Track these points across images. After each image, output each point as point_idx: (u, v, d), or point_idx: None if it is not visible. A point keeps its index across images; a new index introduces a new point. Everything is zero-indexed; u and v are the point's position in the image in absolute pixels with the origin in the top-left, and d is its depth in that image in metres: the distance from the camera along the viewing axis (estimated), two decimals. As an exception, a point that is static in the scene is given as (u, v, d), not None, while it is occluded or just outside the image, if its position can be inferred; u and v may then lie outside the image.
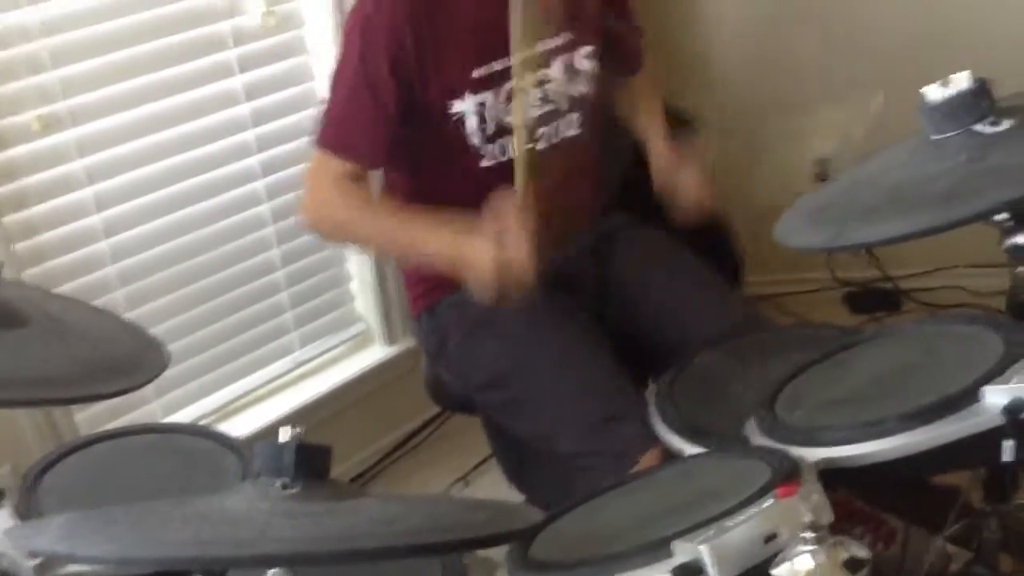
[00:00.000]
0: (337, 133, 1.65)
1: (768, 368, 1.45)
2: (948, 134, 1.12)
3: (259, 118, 2.04)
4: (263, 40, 2.00)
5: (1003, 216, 1.09)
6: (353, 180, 1.66)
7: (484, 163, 1.70)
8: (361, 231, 1.70)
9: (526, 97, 1.69)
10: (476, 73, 1.66)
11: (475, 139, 1.68)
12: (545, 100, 1.74)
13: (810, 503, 0.93)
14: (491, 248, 1.50)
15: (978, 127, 1.10)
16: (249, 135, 2.04)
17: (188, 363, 2.06)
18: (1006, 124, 1.08)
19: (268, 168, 2.08)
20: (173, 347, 1.95)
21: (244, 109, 2.01)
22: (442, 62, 1.63)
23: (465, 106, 1.67)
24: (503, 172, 1.69)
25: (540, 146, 1.72)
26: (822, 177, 2.65)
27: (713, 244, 2.37)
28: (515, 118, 1.66)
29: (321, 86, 2.10)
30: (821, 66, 2.57)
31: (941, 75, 1.13)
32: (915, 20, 2.47)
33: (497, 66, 1.67)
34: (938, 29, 2.44)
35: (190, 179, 1.98)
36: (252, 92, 2.01)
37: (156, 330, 1.89)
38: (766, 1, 2.49)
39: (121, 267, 1.92)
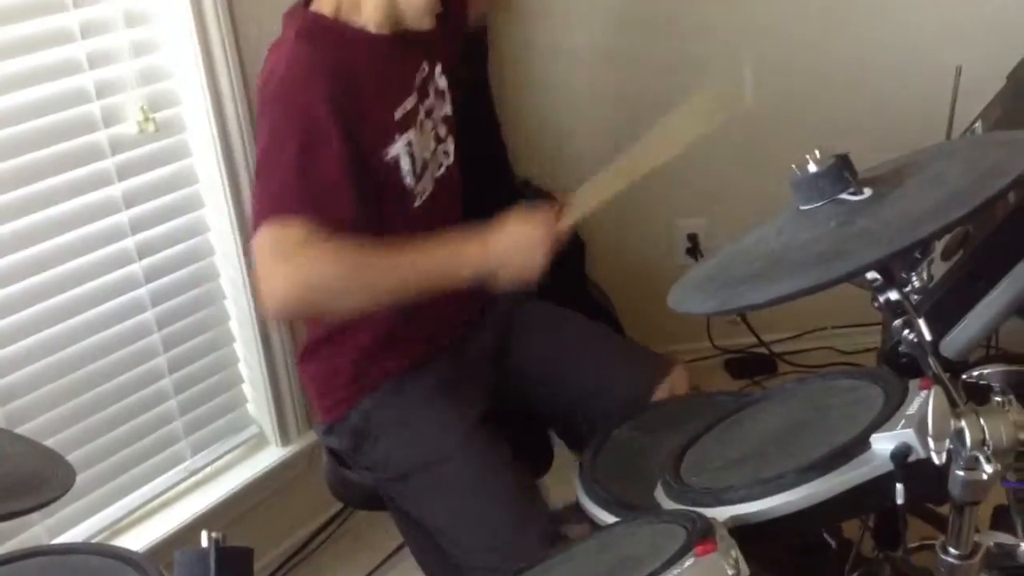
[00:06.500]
0: (299, 196, 1.50)
1: (675, 437, 1.51)
2: (817, 204, 1.22)
3: (139, 225, 2.01)
4: (143, 147, 1.98)
5: (873, 275, 1.18)
6: (319, 239, 1.49)
7: (417, 203, 1.70)
8: (357, 280, 1.53)
9: (428, 136, 1.71)
10: (397, 115, 1.66)
11: (408, 179, 1.67)
12: (436, 135, 1.76)
13: (730, 558, 0.97)
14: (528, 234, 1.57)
15: (843, 196, 1.20)
16: (129, 243, 2.00)
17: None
18: (867, 192, 1.19)
19: (151, 275, 2.04)
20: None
21: (123, 217, 1.98)
22: (367, 111, 1.60)
23: (398, 148, 1.65)
24: (430, 210, 1.71)
25: (438, 173, 1.75)
26: (693, 251, 2.79)
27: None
28: None
29: (206, 188, 2.10)
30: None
31: (803, 152, 1.24)
32: (771, 99, 2.62)
33: (408, 104, 1.68)
34: (798, 111, 2.57)
35: (71, 290, 1.92)
36: (131, 199, 1.99)
37: (41, 448, 1.83)
38: (620, 75, 2.62)
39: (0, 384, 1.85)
